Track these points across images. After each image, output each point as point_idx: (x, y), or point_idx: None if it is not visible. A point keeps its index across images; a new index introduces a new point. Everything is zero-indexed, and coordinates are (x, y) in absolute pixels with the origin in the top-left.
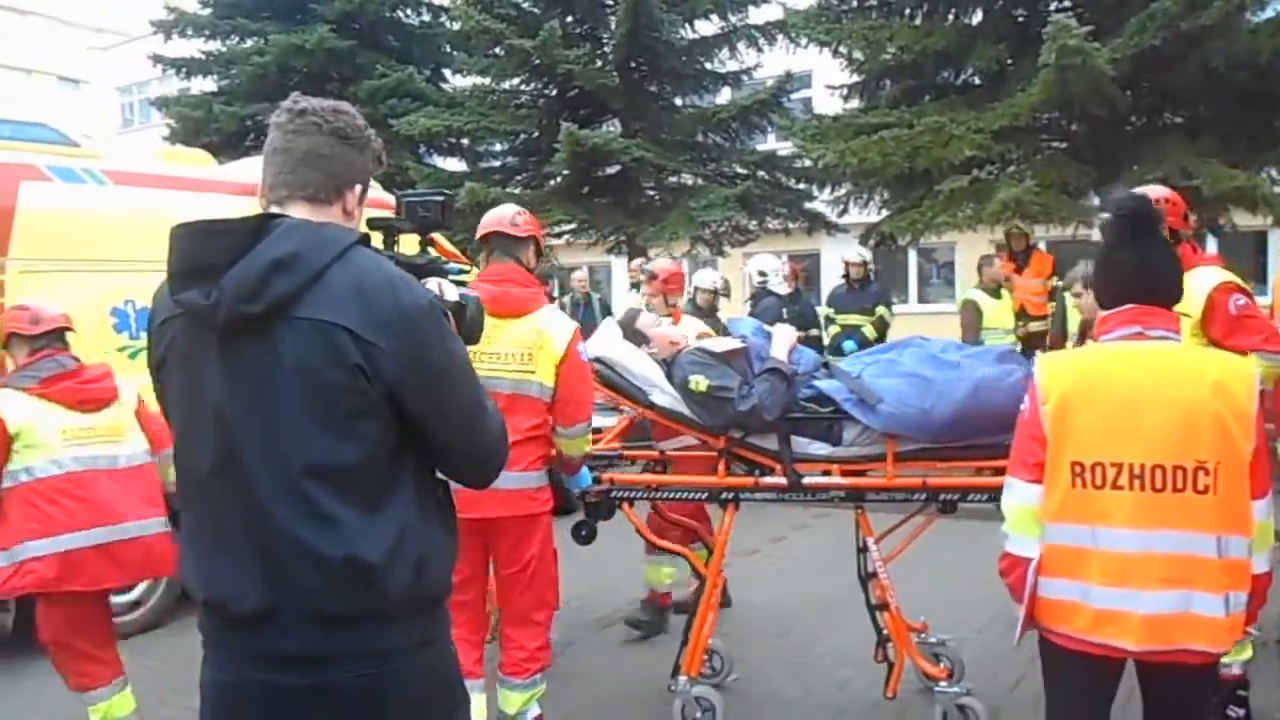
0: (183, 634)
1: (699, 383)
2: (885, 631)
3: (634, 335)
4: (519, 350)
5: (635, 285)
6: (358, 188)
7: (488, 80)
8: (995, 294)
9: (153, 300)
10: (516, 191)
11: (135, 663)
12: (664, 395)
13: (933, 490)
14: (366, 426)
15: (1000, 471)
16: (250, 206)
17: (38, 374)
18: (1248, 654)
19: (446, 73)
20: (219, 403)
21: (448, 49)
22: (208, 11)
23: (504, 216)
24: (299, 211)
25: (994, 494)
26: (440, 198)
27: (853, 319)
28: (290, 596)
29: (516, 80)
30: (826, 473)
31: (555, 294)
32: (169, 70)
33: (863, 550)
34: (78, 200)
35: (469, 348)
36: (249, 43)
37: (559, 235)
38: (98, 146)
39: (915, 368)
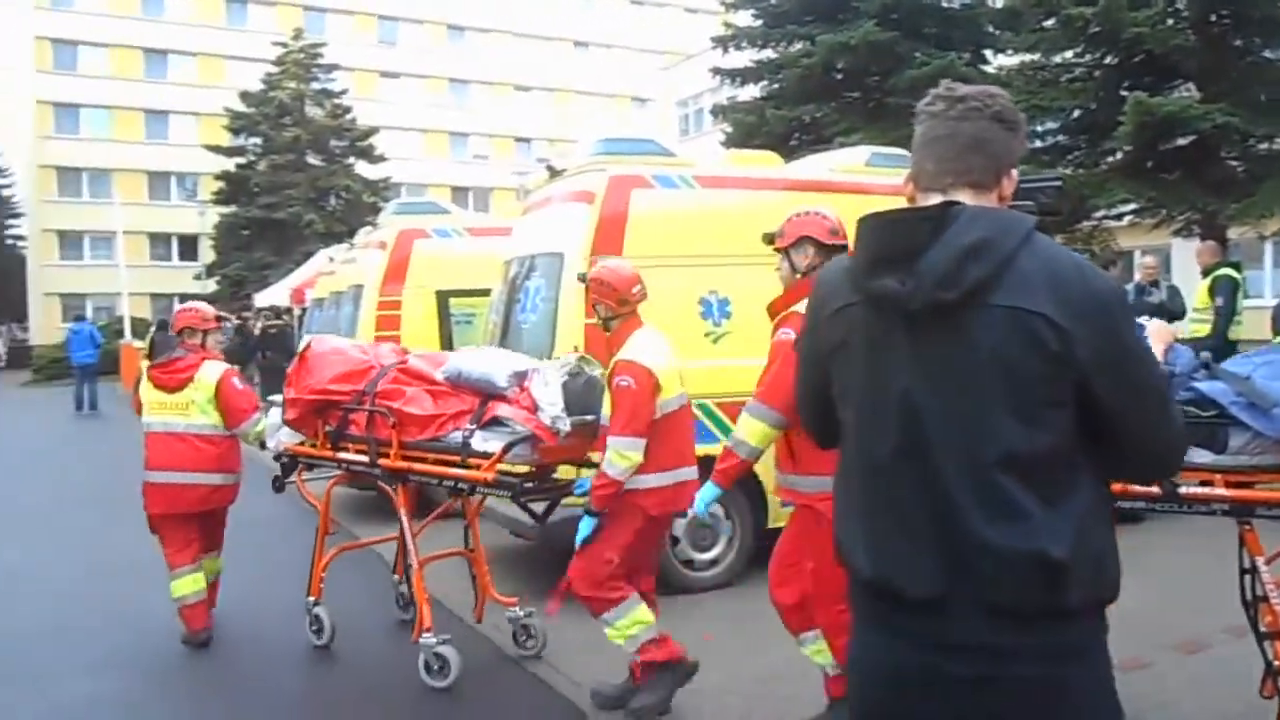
0: (748, 597)
1: None
2: (1277, 663)
3: None
4: None
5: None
6: (1013, 172)
7: (1036, 56)
8: None
9: (818, 287)
10: (1069, 171)
11: (708, 618)
12: None
13: None
14: (1057, 416)
15: None
16: (813, 201)
17: (156, 358)
18: None
19: (988, 54)
20: (906, 389)
21: (990, 29)
22: (759, 23)
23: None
24: (963, 198)
25: None
26: (1058, 182)
27: None
28: (967, 585)
29: (1070, 53)
30: (1207, 483)
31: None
32: (724, 81)
33: (1248, 571)
34: (674, 203)
35: None
36: (797, 46)
37: (1119, 217)
38: (690, 155)
39: None
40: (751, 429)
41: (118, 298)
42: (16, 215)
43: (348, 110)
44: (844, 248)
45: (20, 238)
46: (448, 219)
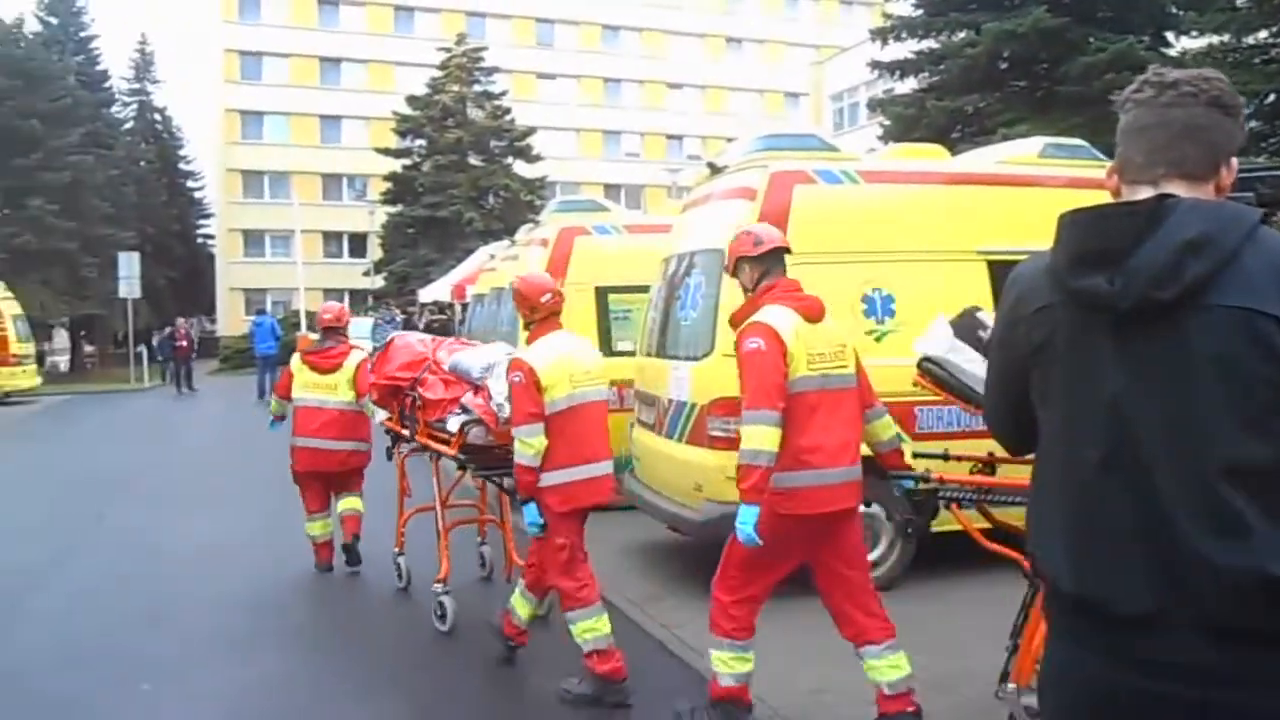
0: (911, 600)
1: None
2: None
3: (966, 331)
4: (836, 348)
5: None
6: (1233, 161)
7: (1226, 37)
8: None
9: (1013, 287)
10: (1261, 160)
11: None
12: None
13: None
14: None
15: None
16: (981, 195)
17: (314, 350)
18: None
19: (1169, 36)
20: (1115, 394)
21: (1173, 9)
22: (920, 13)
23: (777, 233)
24: (1176, 190)
25: None
26: None
27: None
28: (1184, 604)
29: (1265, 33)
30: None
31: None
32: (882, 73)
33: None
34: (838, 198)
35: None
36: (960, 35)
37: None
38: (853, 150)
39: None
40: (761, 436)
41: (294, 292)
42: (207, 216)
43: (507, 111)
44: (775, 250)
45: (210, 237)
46: (607, 216)
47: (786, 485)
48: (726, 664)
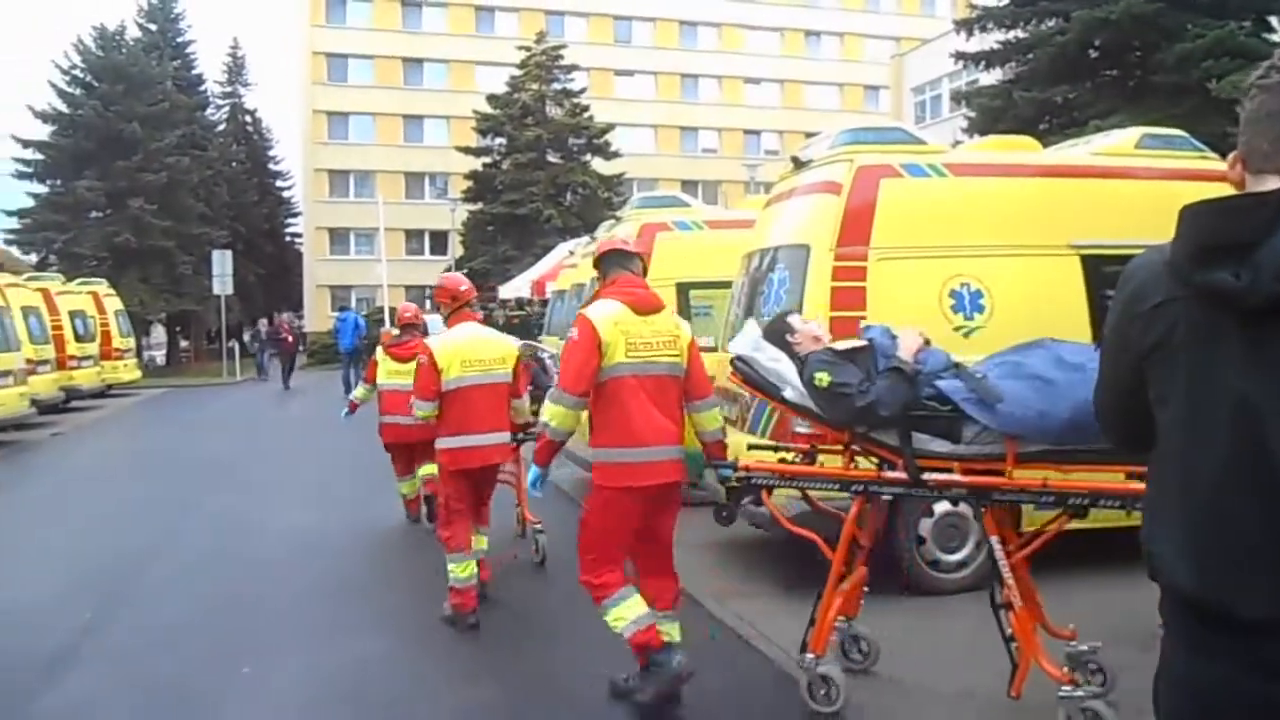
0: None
1: (822, 379)
2: (1009, 631)
3: (776, 335)
4: (665, 338)
5: None
6: None
7: None
8: None
9: (1128, 282)
10: None
11: (952, 622)
12: (793, 391)
13: (1056, 492)
14: None
15: (1135, 476)
16: (1072, 187)
17: (393, 343)
18: None
19: (1273, 21)
20: (1241, 394)
21: None
22: (1007, 2)
23: (616, 238)
24: None
25: (1125, 500)
26: None
27: None
28: None
29: None
30: (947, 471)
31: None
32: (967, 65)
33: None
34: (925, 192)
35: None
36: (1049, 24)
37: None
38: (939, 143)
39: (1040, 370)
40: (551, 412)
41: (378, 289)
42: (295, 215)
43: (585, 109)
44: (610, 253)
45: (297, 235)
46: (689, 212)
47: (615, 460)
48: (618, 619)
